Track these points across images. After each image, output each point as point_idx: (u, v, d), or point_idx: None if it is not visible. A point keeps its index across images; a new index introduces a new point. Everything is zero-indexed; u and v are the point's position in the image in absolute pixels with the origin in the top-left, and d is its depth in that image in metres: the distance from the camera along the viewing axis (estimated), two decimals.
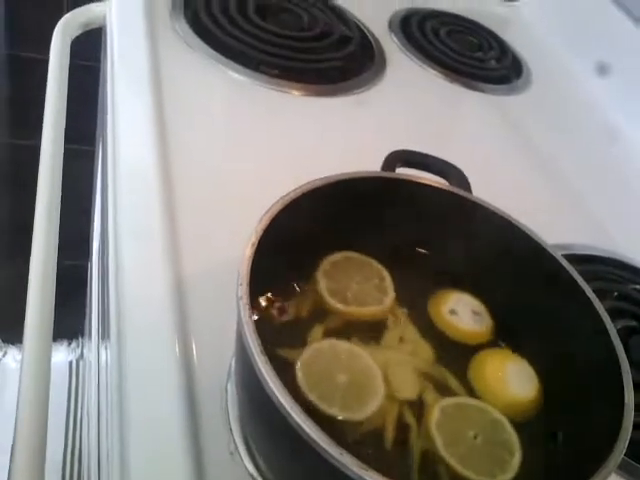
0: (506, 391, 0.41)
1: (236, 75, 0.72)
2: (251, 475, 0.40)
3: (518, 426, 0.39)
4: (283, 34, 0.78)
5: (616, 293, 0.60)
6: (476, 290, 0.46)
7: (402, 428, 0.38)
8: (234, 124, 0.68)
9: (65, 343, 1.51)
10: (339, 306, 0.43)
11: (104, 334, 0.62)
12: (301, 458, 0.32)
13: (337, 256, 0.45)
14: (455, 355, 0.43)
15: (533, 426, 0.40)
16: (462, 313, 0.45)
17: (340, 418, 0.36)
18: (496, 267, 0.45)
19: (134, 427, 0.40)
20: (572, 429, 0.39)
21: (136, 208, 0.53)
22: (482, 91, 0.88)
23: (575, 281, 0.42)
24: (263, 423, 0.36)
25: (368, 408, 0.38)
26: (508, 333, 0.45)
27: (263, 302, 0.41)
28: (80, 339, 1.47)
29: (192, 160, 0.59)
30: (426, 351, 0.43)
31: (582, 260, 0.61)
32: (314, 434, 0.29)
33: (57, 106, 0.66)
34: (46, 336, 0.49)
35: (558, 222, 0.61)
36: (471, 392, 0.41)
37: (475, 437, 0.38)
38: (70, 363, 1.47)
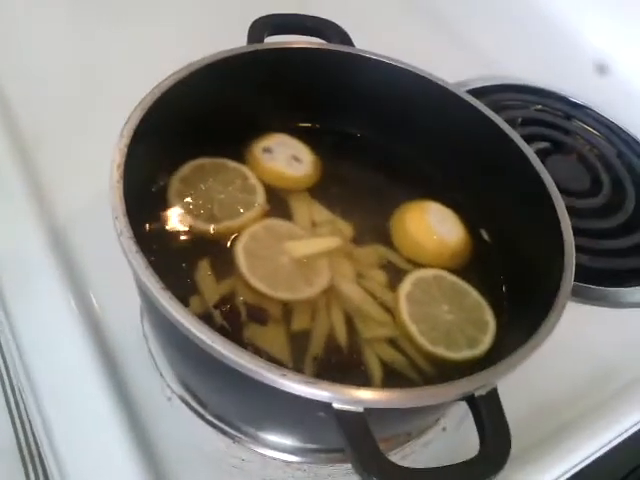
0: (434, 240, 0.39)
1: None
2: (196, 412, 0.36)
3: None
4: None
5: (521, 119, 0.58)
6: (379, 140, 0.43)
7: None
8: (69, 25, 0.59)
9: None
10: (208, 227, 0.36)
11: None
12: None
13: (185, 169, 0.38)
14: (372, 223, 0.40)
15: (476, 272, 0.38)
16: (278, 154, 0.40)
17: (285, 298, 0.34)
18: (395, 114, 0.42)
19: (49, 399, 0.35)
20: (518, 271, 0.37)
21: None
22: None
23: (483, 113, 0.39)
24: (176, 349, 0.33)
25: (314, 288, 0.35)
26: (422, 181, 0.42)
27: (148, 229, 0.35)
28: None
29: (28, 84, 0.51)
30: (345, 227, 0.39)
31: (480, 93, 0.58)
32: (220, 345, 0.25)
33: None
34: None
35: (447, 61, 0.56)
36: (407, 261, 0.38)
37: (447, 312, 0.36)
38: None
